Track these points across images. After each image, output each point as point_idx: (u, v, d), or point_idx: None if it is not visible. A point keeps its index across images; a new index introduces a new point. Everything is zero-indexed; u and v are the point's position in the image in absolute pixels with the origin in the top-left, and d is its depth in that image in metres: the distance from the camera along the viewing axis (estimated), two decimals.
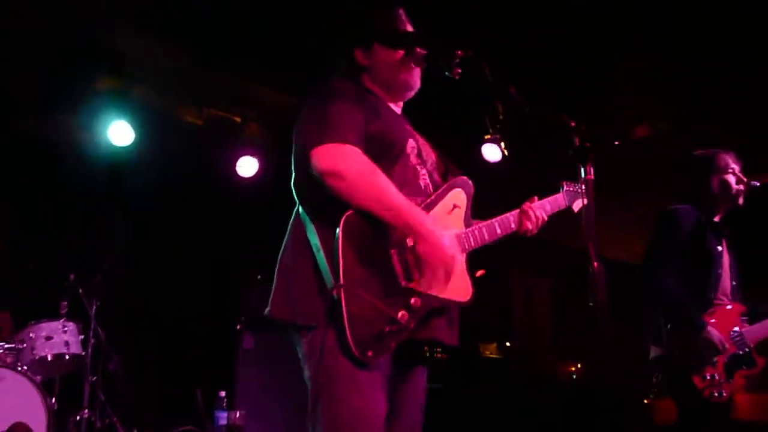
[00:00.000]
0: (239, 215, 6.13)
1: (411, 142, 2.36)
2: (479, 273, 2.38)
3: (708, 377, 3.20)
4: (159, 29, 5.16)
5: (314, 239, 2.12)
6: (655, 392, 6.58)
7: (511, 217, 2.54)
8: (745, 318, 3.36)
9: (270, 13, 4.88)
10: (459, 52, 2.37)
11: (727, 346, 3.23)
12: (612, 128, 5.09)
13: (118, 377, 4.89)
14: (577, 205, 2.85)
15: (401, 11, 2.45)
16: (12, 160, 5.51)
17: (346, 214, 2.07)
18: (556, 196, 2.79)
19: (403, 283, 2.12)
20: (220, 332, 5.29)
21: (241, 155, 6.16)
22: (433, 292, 2.19)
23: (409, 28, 2.43)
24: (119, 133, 5.55)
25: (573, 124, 2.17)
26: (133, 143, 5.61)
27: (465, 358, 6.51)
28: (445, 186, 2.38)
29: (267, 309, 2.21)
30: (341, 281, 2.01)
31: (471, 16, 4.67)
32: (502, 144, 5.43)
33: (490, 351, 6.99)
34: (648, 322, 3.43)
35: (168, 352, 5.63)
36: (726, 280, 3.41)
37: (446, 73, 2.41)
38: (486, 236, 2.42)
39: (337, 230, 2.05)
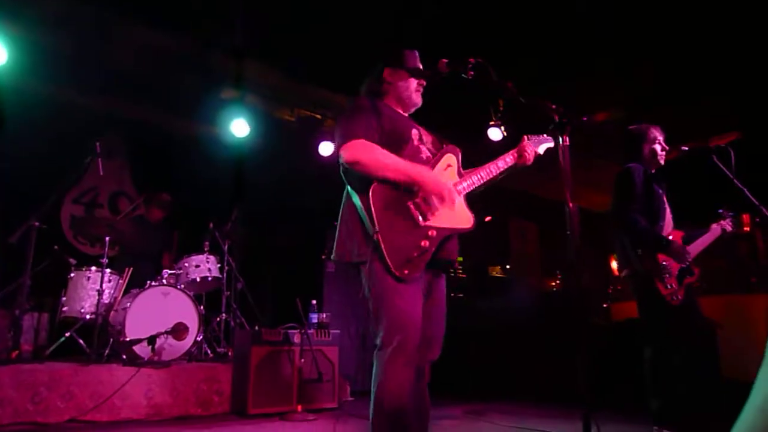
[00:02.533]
0: (321, 180, 6.10)
1: (413, 131, 2.39)
2: (487, 218, 2.36)
3: (668, 286, 3.10)
4: (262, 55, 5.13)
5: (357, 202, 2.19)
6: (611, 298, 6.45)
7: (507, 157, 2.54)
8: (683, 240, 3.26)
9: (335, 43, 4.83)
10: (471, 59, 2.34)
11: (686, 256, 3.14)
12: (584, 111, 4.85)
13: (244, 292, 4.96)
14: (542, 149, 2.70)
15: (417, 53, 2.51)
16: (168, 151, 5.56)
17: (373, 184, 2.15)
18: (540, 136, 2.68)
19: (422, 222, 2.19)
20: (312, 261, 5.31)
21: (321, 141, 6.12)
22: (444, 224, 2.24)
23: (419, 65, 2.49)
24: (240, 128, 5.56)
25: (553, 106, 2.17)
26: (248, 135, 5.60)
27: (479, 276, 6.48)
28: (438, 153, 2.41)
29: (333, 255, 2.30)
30: (377, 228, 2.09)
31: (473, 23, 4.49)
32: (502, 127, 5.32)
33: (496, 272, 6.92)
34: (620, 252, 3.32)
35: (277, 275, 5.67)
36: (668, 215, 3.29)
37: (462, 75, 2.36)
38: (483, 178, 2.45)
39: (369, 193, 2.14)
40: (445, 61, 2.37)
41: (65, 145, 4.63)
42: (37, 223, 3.92)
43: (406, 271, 2.10)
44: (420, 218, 2.19)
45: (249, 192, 5.73)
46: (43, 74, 4.70)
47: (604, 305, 6.63)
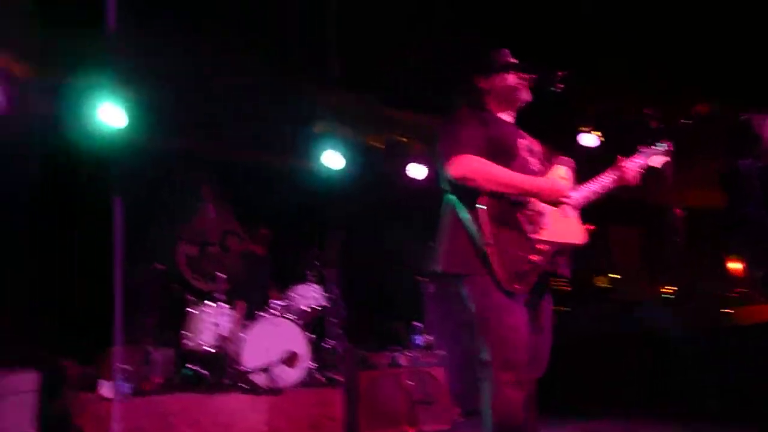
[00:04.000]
0: (413, 203, 6.20)
1: (521, 142, 2.32)
2: (590, 227, 2.33)
3: None
4: (350, 87, 5.34)
5: (465, 215, 2.15)
6: (737, 302, 5.93)
7: (608, 176, 2.42)
8: None
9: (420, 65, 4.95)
10: (559, 72, 2.33)
11: None
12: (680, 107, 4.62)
13: (348, 318, 5.10)
14: (657, 162, 2.55)
15: (507, 51, 2.42)
16: (267, 187, 5.87)
17: (482, 196, 2.11)
18: (636, 156, 2.53)
19: (532, 235, 2.12)
20: (411, 282, 5.36)
21: (410, 163, 6.22)
22: (556, 239, 2.17)
23: (514, 61, 2.39)
24: (332, 159, 5.78)
25: (650, 112, 2.10)
26: (343, 167, 5.81)
27: (583, 287, 6.29)
28: (550, 165, 2.34)
29: (437, 266, 2.25)
30: (487, 242, 2.04)
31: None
32: (595, 133, 5.19)
33: (601, 281, 6.71)
34: (747, 253, 3.12)
35: (379, 298, 5.77)
36: None
37: (551, 89, 2.36)
38: (590, 195, 2.36)
39: (478, 206, 2.08)
40: (533, 76, 2.38)
41: (176, 191, 5.05)
42: (159, 266, 4.29)
43: (516, 286, 2.06)
44: (531, 231, 2.14)
45: (345, 219, 5.90)
46: (152, 128, 5.14)
47: (727, 310, 6.20)
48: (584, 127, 5.24)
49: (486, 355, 2.10)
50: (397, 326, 4.16)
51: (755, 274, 3.13)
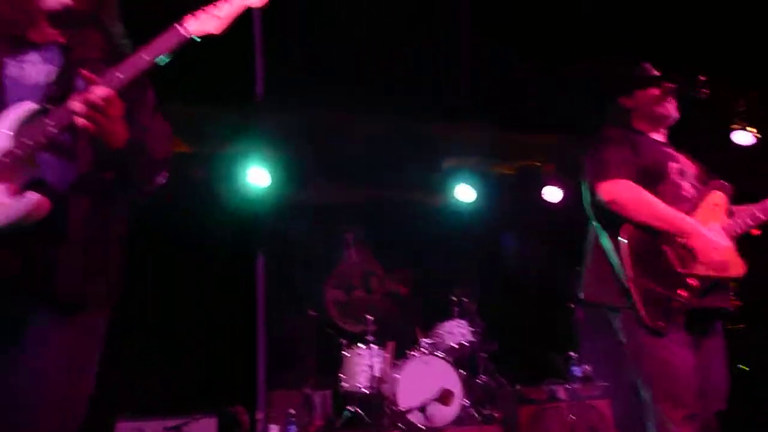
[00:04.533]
0: (552, 227, 6.04)
1: (672, 165, 2.20)
2: (756, 232, 2.16)
3: None
4: (472, 117, 5.37)
5: (607, 244, 2.08)
6: None
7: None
8: None
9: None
10: (702, 77, 2.21)
11: None
12: None
13: (499, 352, 5.00)
14: None
15: (648, 65, 2.32)
16: (404, 226, 6.01)
17: (626, 226, 2.03)
18: None
19: (680, 270, 2.01)
20: (560, 310, 5.17)
21: (544, 186, 6.08)
22: (708, 273, 2.03)
23: (656, 73, 2.28)
24: (465, 192, 5.82)
25: None
26: (475, 199, 5.82)
27: (760, 300, 5.62)
28: (704, 191, 2.19)
29: (581, 294, 2.23)
30: (629, 276, 1.97)
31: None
32: (750, 129, 4.74)
33: None
34: None
35: (527, 329, 5.63)
36: None
37: (694, 95, 2.24)
38: (749, 221, 2.17)
39: (622, 237, 2.01)
40: (672, 86, 2.27)
41: (320, 240, 5.35)
42: (313, 313, 4.54)
43: (661, 324, 1.95)
44: (679, 265, 2.02)
45: (485, 250, 5.88)
46: (293, 183, 5.52)
47: None
48: (737, 123, 4.82)
49: (644, 390, 2.01)
50: (553, 357, 4.01)
51: None
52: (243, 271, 5.00)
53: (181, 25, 1.39)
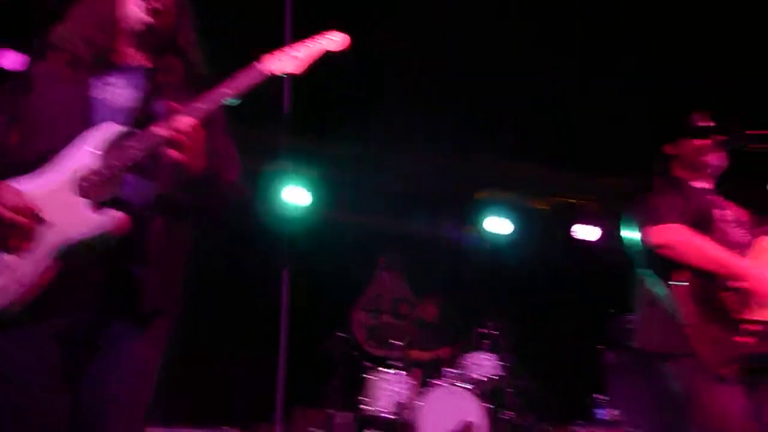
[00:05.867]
0: (589, 267, 6.02)
1: (717, 212, 2.21)
2: None
3: None
4: (516, 156, 5.44)
5: (660, 290, 2.08)
6: None
7: None
8: None
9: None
10: (747, 131, 2.24)
11: None
12: None
13: (526, 388, 4.98)
14: None
15: (698, 114, 2.33)
16: (438, 256, 6.07)
17: (681, 271, 2.02)
18: None
19: (738, 315, 2.00)
20: (591, 352, 5.13)
21: (577, 224, 6.09)
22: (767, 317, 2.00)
23: (706, 123, 2.29)
24: (498, 225, 5.86)
25: None
26: (512, 232, 5.87)
27: None
28: (754, 237, 2.20)
29: (635, 342, 2.20)
30: (688, 322, 1.96)
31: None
32: None
33: None
34: None
35: (555, 368, 5.60)
36: None
37: (741, 148, 2.27)
38: None
39: (677, 283, 2.00)
40: (721, 138, 2.30)
41: (355, 262, 5.44)
42: (341, 333, 4.61)
43: (724, 371, 1.94)
44: (738, 311, 2.01)
45: (516, 284, 5.88)
46: (334, 205, 5.64)
47: None
48: None
49: None
50: (577, 398, 3.98)
51: None
52: (273, 287, 5.10)
53: (260, 63, 1.48)
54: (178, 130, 1.35)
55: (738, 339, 1.97)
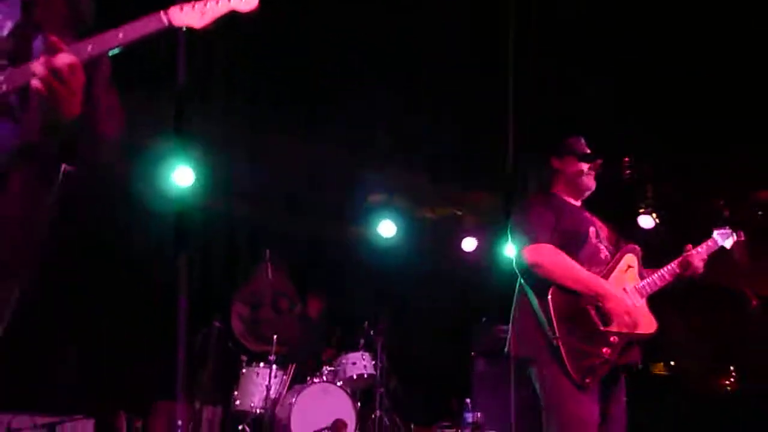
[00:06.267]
0: (465, 275, 6.25)
1: (591, 229, 2.38)
2: (755, 303, 2.34)
3: None
4: (405, 167, 5.55)
5: (534, 303, 2.23)
6: None
7: (674, 264, 2.45)
8: None
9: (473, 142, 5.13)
10: (626, 159, 2.43)
11: None
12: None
13: (397, 390, 5.08)
14: (728, 243, 2.60)
15: (582, 139, 2.53)
16: (322, 255, 6.04)
17: (552, 287, 2.17)
18: (709, 241, 2.58)
19: (602, 328, 2.16)
20: (461, 359, 5.33)
21: (464, 237, 6.32)
22: (626, 330, 2.19)
23: (588, 151, 2.50)
24: (386, 228, 5.94)
25: (721, 202, 2.16)
26: (396, 234, 5.96)
27: (640, 376, 6.05)
28: (618, 254, 2.37)
29: (506, 348, 2.33)
30: (557, 334, 2.11)
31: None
32: (654, 215, 5.18)
33: (659, 369, 6.50)
34: None
35: (427, 372, 5.75)
36: None
37: (618, 175, 2.45)
38: (658, 283, 2.38)
39: (548, 298, 2.15)
40: (600, 161, 2.49)
41: (236, 252, 5.27)
42: (218, 324, 4.44)
43: (587, 380, 2.08)
44: (601, 324, 2.16)
45: (397, 289, 5.99)
46: (217, 192, 5.43)
47: None
48: (644, 208, 5.25)
49: None
50: (450, 402, 4.10)
51: None
52: (158, 270, 4.83)
53: (165, 13, 1.39)
54: (55, 68, 1.21)
55: (599, 351, 2.13)
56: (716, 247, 2.58)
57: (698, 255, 2.48)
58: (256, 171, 5.44)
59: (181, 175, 4.92)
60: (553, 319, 2.13)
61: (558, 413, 2.12)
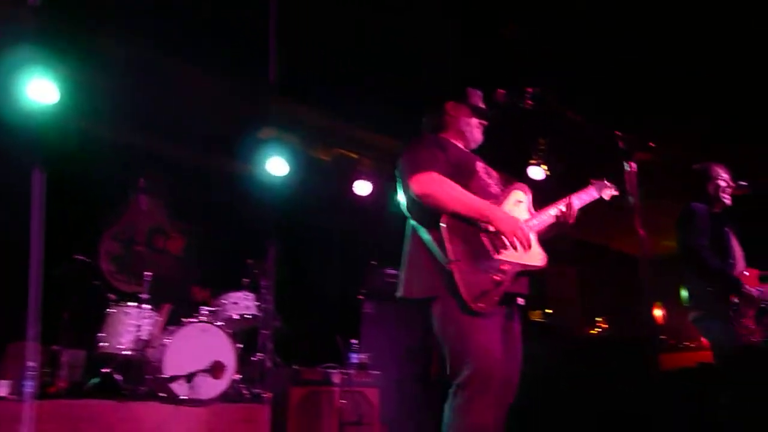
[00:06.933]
0: (358, 220, 6.16)
1: (479, 164, 2.40)
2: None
3: (744, 327, 3.01)
4: (300, 94, 5.26)
5: (426, 236, 2.17)
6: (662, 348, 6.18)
7: (560, 203, 2.50)
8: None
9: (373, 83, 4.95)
10: (529, 89, 2.38)
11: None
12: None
13: (281, 331, 4.93)
14: (606, 195, 2.70)
15: (480, 93, 2.55)
16: (206, 189, 5.67)
17: (443, 216, 2.13)
18: (587, 188, 2.68)
19: (495, 256, 2.15)
20: (350, 301, 5.28)
21: (357, 179, 6.19)
22: (518, 260, 2.20)
23: (482, 105, 2.53)
24: (277, 167, 5.65)
25: (618, 132, 2.18)
26: (287, 174, 5.67)
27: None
28: (507, 188, 2.40)
29: (400, 293, 2.25)
30: (450, 258, 2.06)
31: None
32: (544, 167, 5.33)
33: (536, 316, 6.87)
34: (690, 293, 3.24)
35: (315, 313, 5.67)
36: (738, 253, 3.23)
37: (519, 104, 2.40)
38: (546, 220, 2.43)
39: (441, 226, 2.10)
40: (503, 92, 2.41)
41: (108, 181, 4.76)
42: (80, 257, 4.00)
43: (481, 305, 2.06)
44: (494, 251, 2.16)
45: (286, 230, 5.78)
46: (88, 113, 4.86)
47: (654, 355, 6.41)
48: (534, 159, 5.37)
49: (459, 377, 2.06)
50: (336, 342, 4.03)
51: (691, 315, 3.23)
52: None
53: None
54: None
55: (491, 277, 2.10)
56: (593, 198, 2.65)
57: (579, 201, 2.55)
58: (139, 95, 4.92)
59: (43, 91, 4.32)
60: (447, 245, 2.09)
61: (463, 344, 2.09)
